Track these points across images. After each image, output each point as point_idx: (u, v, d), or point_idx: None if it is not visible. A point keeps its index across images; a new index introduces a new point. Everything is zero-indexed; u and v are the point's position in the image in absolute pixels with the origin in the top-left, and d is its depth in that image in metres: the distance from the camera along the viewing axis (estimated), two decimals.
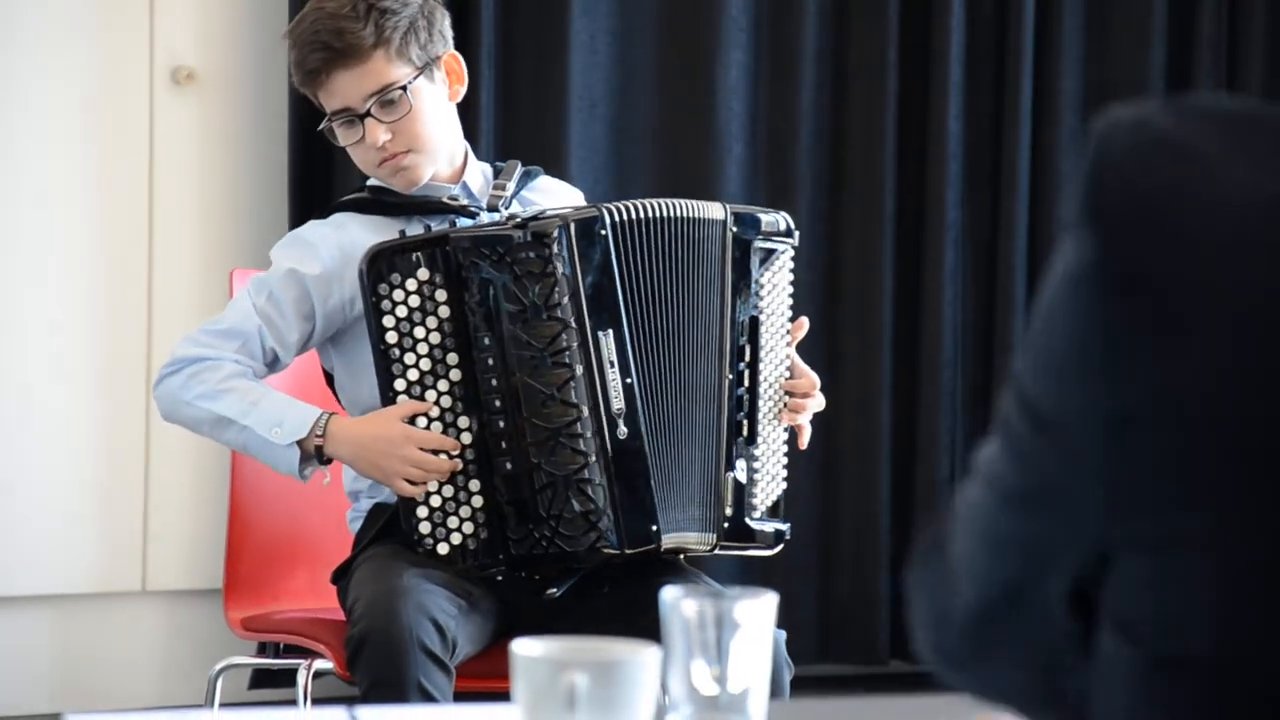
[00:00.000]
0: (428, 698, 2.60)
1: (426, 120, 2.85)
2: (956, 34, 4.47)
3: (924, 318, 4.50)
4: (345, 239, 2.88)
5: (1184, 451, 1.14)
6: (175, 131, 4.25)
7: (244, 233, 4.30)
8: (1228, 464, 1.13)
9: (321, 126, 2.89)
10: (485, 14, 4.19)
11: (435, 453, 2.74)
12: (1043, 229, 4.53)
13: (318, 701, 3.07)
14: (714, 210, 2.85)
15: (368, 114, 2.83)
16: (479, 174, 2.97)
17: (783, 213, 2.91)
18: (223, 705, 3.14)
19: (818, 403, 2.91)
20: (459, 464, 2.75)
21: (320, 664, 2.93)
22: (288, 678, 3.05)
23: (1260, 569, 1.13)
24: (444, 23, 2.91)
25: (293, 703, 3.02)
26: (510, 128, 4.26)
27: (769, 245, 2.86)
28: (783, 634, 2.77)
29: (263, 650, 3.12)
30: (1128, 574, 1.17)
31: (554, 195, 3.01)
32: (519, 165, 2.97)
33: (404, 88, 2.82)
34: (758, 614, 1.52)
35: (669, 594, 1.52)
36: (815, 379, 2.91)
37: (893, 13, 4.48)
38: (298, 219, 4.19)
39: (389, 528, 2.84)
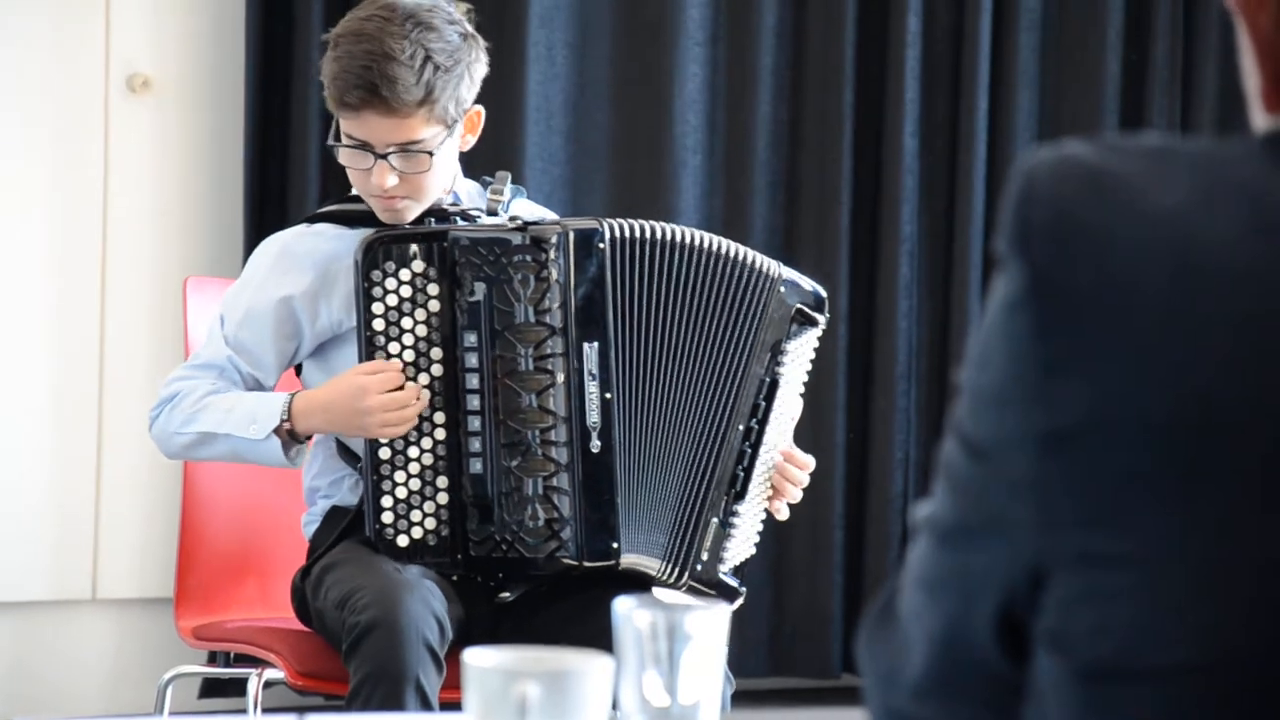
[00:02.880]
0: (421, 695, 2.60)
1: (436, 175, 2.81)
2: (912, 49, 4.49)
3: (878, 331, 4.51)
4: (335, 251, 2.86)
5: (1115, 468, 1.16)
6: (130, 139, 4.24)
7: (199, 241, 4.29)
8: (1158, 479, 1.15)
9: (329, 142, 2.83)
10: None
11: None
12: (995, 244, 4.54)
13: (268, 710, 3.06)
14: (767, 264, 2.82)
15: (384, 156, 2.77)
16: (466, 187, 2.95)
17: (822, 288, 2.89)
18: (172, 714, 3.13)
19: (804, 484, 2.89)
20: (425, 399, 2.74)
21: (271, 673, 2.93)
22: (238, 687, 3.05)
23: (1188, 583, 1.15)
24: (481, 75, 2.84)
25: (243, 712, 3.02)
26: None
27: (806, 317, 2.85)
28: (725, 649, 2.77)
29: (213, 659, 3.11)
30: (1061, 591, 1.18)
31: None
32: (509, 176, 2.96)
33: (430, 153, 2.78)
34: (710, 626, 1.52)
35: (621, 605, 1.52)
36: (811, 461, 2.90)
37: (849, 28, 4.49)
38: (253, 227, 4.18)
39: (349, 530, 2.84)
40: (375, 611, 2.62)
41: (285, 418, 2.77)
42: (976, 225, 4.51)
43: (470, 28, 2.84)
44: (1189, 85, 4.62)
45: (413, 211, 2.83)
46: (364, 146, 2.78)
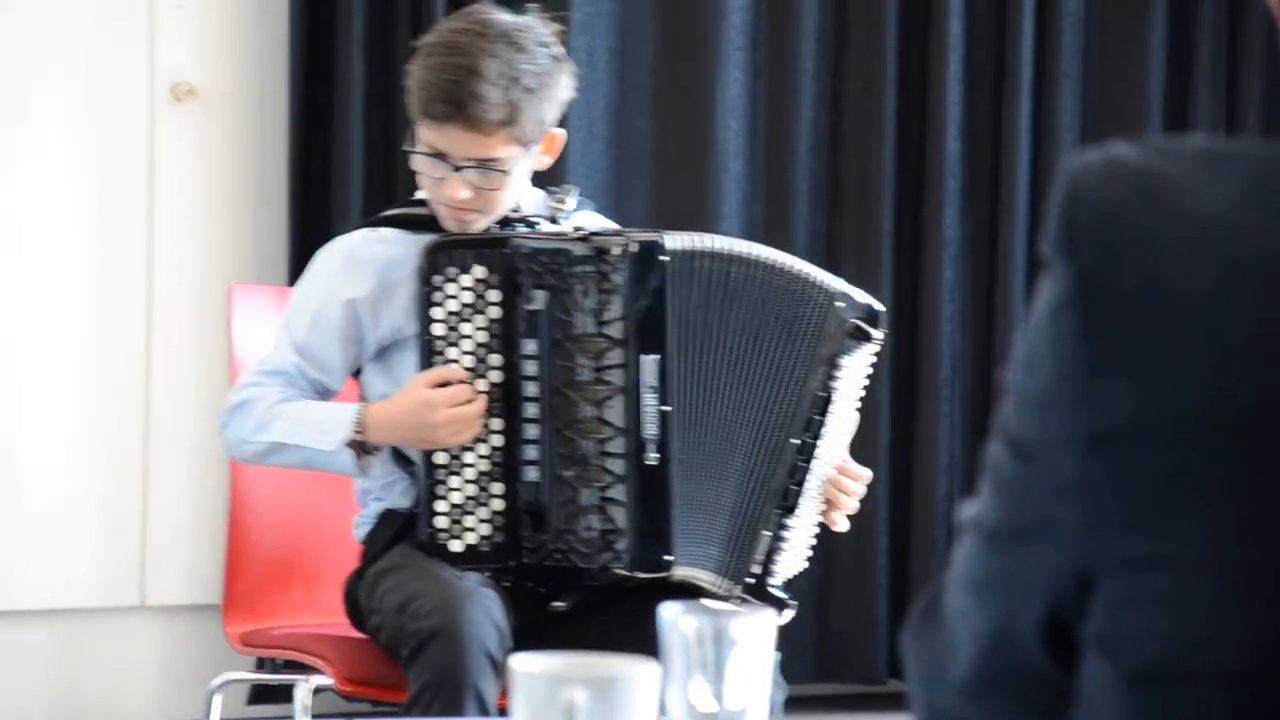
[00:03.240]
0: (480, 703, 2.60)
1: (510, 192, 2.81)
2: (955, 52, 4.48)
3: (922, 336, 4.50)
4: (397, 257, 2.86)
5: (1162, 470, 1.15)
6: (175, 148, 4.25)
7: (243, 249, 4.31)
8: (1202, 481, 1.15)
9: (406, 148, 2.84)
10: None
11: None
12: (1041, 246, 4.53)
13: (316, 717, 3.07)
14: (822, 276, 2.82)
15: (460, 169, 2.78)
16: (531, 196, 2.95)
17: (881, 305, 2.87)
18: None
19: (860, 495, 2.89)
20: (484, 403, 2.75)
21: (319, 679, 2.94)
22: (286, 693, 3.05)
23: (1232, 585, 1.15)
24: (566, 97, 2.85)
25: (291, 718, 3.03)
26: None
27: (861, 333, 2.84)
28: (777, 655, 2.78)
29: (261, 665, 3.12)
30: (1109, 595, 1.18)
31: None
32: (576, 189, 2.96)
33: (506, 172, 2.78)
34: (757, 632, 1.52)
35: (668, 611, 1.52)
36: (868, 473, 2.90)
37: (891, 31, 4.48)
38: (297, 235, 4.20)
39: (402, 533, 2.84)
40: (437, 619, 2.62)
41: (359, 430, 2.77)
42: (1020, 229, 4.50)
43: (560, 50, 2.84)
44: (1234, 87, 4.60)
45: (480, 224, 2.83)
46: (441, 157, 2.78)
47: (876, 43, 4.48)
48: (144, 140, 4.23)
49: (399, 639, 2.67)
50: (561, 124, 2.85)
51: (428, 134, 2.79)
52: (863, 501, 2.91)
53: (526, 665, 1.43)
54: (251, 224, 4.31)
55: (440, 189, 2.80)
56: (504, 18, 2.81)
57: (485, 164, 2.77)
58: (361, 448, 2.79)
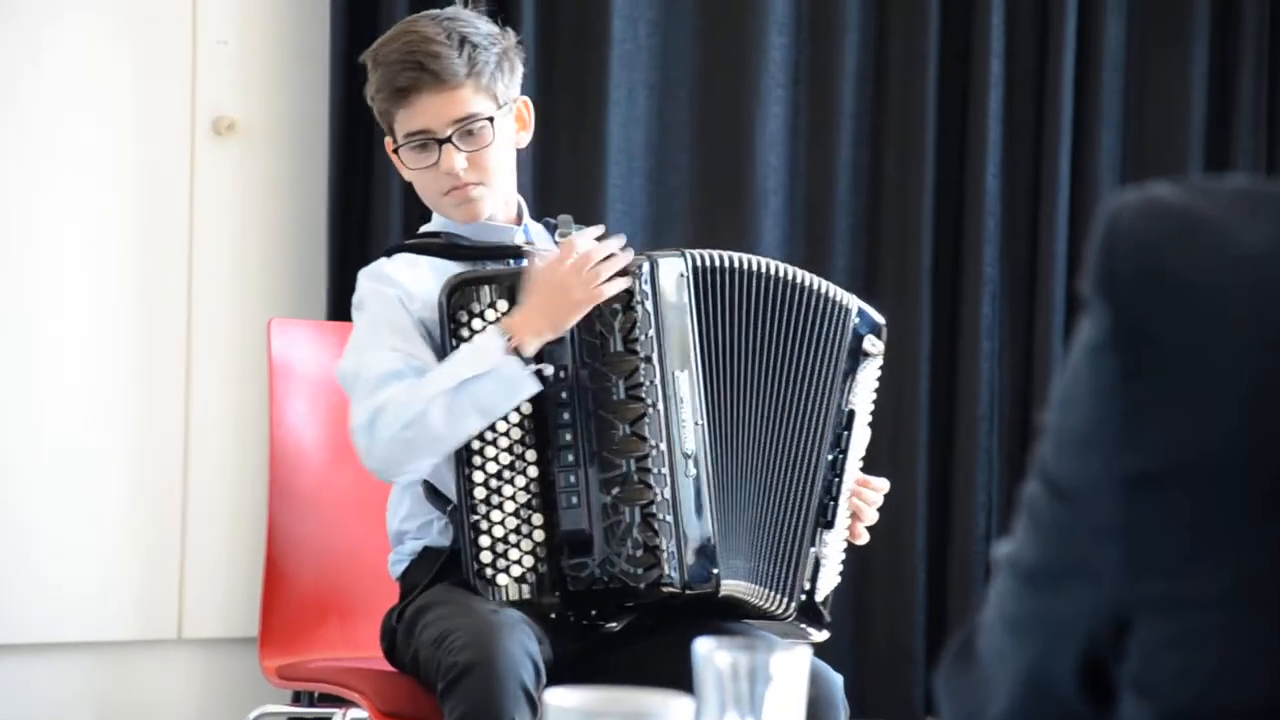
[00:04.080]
0: None
1: (500, 155, 2.88)
2: (994, 90, 4.48)
3: (960, 373, 4.50)
4: (421, 278, 2.86)
5: (1201, 511, 1.15)
6: (216, 181, 4.27)
7: (282, 283, 4.32)
8: (1241, 523, 1.14)
9: (392, 149, 2.90)
10: (525, 67, 4.20)
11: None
12: (1080, 285, 4.51)
13: None
14: (842, 295, 2.87)
15: (448, 139, 2.84)
16: (535, 227, 2.97)
17: (882, 318, 2.92)
18: None
19: (879, 505, 2.94)
20: (609, 247, 2.76)
21: (355, 713, 2.94)
22: None
23: (1272, 626, 1.14)
24: (520, 70, 2.95)
25: None
26: (549, 179, 4.28)
27: (872, 346, 2.89)
28: (840, 678, 2.79)
29: (297, 699, 3.13)
30: (1147, 636, 1.17)
31: None
32: (571, 219, 2.98)
33: (489, 119, 2.85)
34: (792, 667, 1.52)
35: (702, 645, 1.51)
36: (885, 484, 2.95)
37: (931, 68, 4.48)
38: (336, 269, 4.21)
39: (444, 571, 2.83)
40: (471, 653, 2.62)
41: (508, 337, 2.72)
42: (1059, 267, 4.49)
43: (499, 27, 2.93)
44: (1275, 126, 4.59)
45: (486, 203, 2.87)
46: (424, 136, 2.84)
47: (916, 81, 4.48)
48: (185, 174, 4.25)
49: (435, 673, 2.67)
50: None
51: (403, 118, 2.86)
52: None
53: (560, 699, 1.42)
54: (291, 258, 4.33)
55: (435, 174, 2.86)
56: (427, 11, 2.95)
57: (465, 123, 2.84)
58: (519, 355, 2.73)
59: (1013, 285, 4.55)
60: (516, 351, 2.72)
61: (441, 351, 2.77)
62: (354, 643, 3.16)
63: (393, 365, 2.77)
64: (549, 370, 2.74)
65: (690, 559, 2.75)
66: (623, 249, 2.78)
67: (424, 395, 2.72)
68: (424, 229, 2.98)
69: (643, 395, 2.75)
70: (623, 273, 2.76)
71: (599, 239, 2.81)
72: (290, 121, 4.33)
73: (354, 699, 2.91)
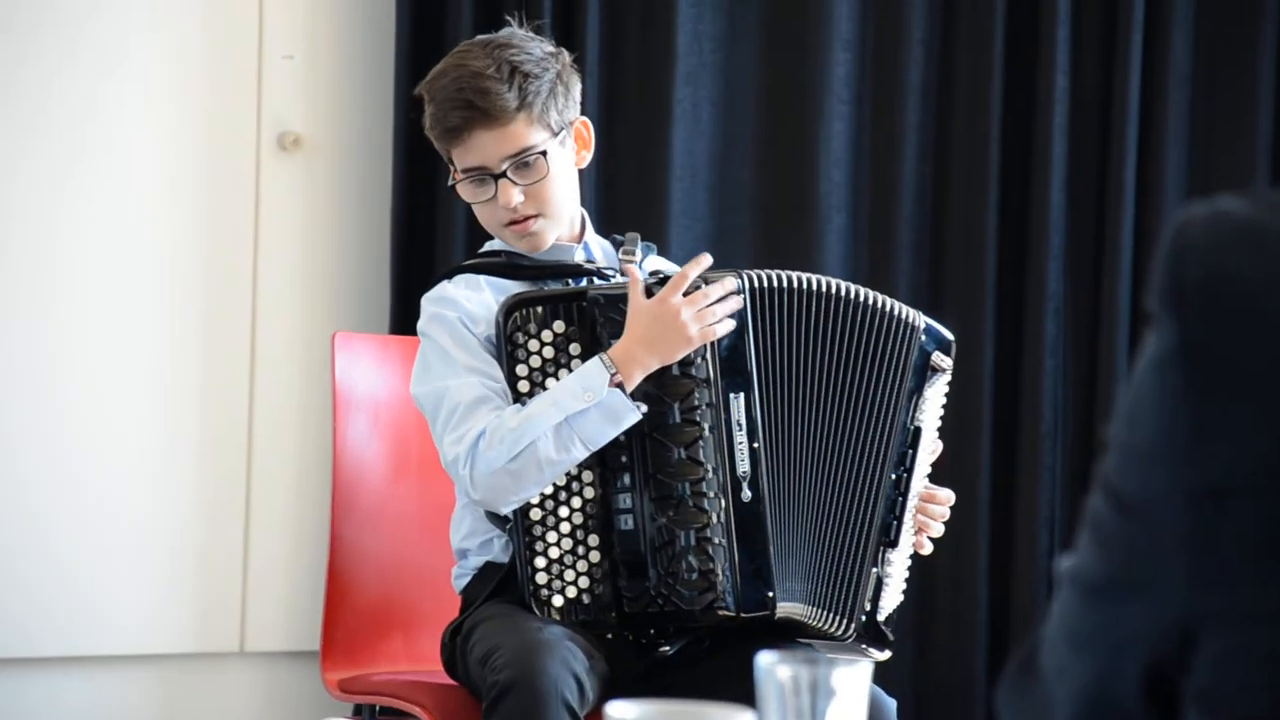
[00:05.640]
0: None
1: (558, 185, 2.87)
2: (1060, 105, 4.46)
3: (1024, 390, 4.48)
4: (483, 300, 2.86)
5: (1267, 525, 1.14)
6: (281, 196, 4.29)
7: (346, 298, 4.33)
8: None
9: (450, 183, 2.90)
10: (589, 83, 4.21)
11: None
12: (1146, 300, 4.49)
13: None
14: (907, 312, 2.86)
15: (503, 174, 2.83)
16: (598, 242, 2.97)
17: (951, 334, 2.92)
18: None
19: (945, 518, 2.93)
20: (721, 287, 2.74)
21: None
22: None
23: None
24: (578, 89, 2.93)
25: None
26: (612, 195, 4.28)
27: (940, 363, 2.88)
28: (893, 702, 2.78)
29: (359, 712, 3.13)
30: (1212, 650, 1.17)
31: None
32: (638, 236, 2.97)
33: (543, 153, 2.83)
34: (853, 681, 1.51)
35: (764, 659, 1.51)
36: (950, 494, 2.95)
37: (996, 85, 4.47)
38: (399, 285, 4.22)
39: (502, 587, 2.84)
40: (512, 671, 2.62)
41: (612, 370, 2.72)
42: (1124, 283, 4.47)
43: (551, 45, 2.91)
44: None
45: (549, 233, 2.87)
46: (480, 172, 2.83)
47: (980, 96, 4.47)
48: (250, 189, 4.27)
49: (481, 690, 2.68)
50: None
51: (459, 156, 2.86)
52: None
53: (621, 712, 1.42)
54: (354, 272, 4.34)
55: (494, 207, 2.85)
56: (480, 37, 2.92)
57: (520, 157, 2.82)
58: (622, 389, 2.72)
59: (1077, 301, 4.53)
60: (619, 384, 2.72)
61: (504, 373, 2.77)
62: (416, 656, 3.16)
63: (477, 392, 2.76)
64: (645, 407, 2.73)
65: (744, 583, 2.75)
66: (736, 293, 2.76)
67: (531, 429, 2.70)
68: (485, 247, 2.99)
69: (698, 419, 2.74)
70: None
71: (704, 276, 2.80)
72: (355, 136, 4.34)
73: (415, 712, 2.91)
